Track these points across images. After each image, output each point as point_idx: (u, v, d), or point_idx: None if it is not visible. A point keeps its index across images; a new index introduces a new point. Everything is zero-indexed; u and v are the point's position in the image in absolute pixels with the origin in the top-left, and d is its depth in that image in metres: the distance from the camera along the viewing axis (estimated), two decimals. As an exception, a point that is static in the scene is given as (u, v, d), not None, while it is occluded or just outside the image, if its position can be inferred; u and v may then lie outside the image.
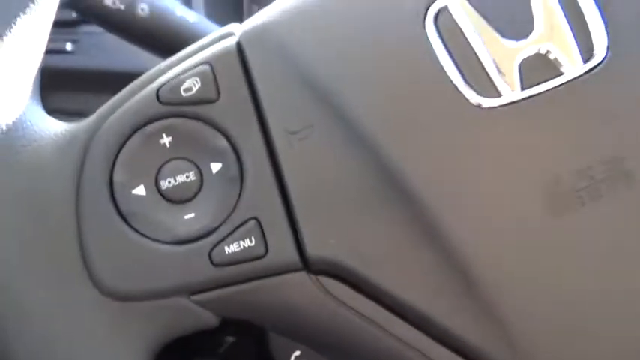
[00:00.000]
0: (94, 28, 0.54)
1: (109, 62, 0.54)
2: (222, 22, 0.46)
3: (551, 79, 0.24)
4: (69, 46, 0.55)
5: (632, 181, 0.23)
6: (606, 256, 0.24)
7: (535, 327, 0.24)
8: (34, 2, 0.27)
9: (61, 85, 0.39)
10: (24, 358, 0.25)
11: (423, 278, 0.25)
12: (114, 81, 0.48)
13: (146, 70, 0.28)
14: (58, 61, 0.45)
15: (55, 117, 0.28)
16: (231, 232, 0.25)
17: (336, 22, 0.26)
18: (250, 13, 0.67)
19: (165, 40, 0.41)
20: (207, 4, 0.59)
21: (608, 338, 0.24)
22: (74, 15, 0.53)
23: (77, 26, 0.55)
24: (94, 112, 0.28)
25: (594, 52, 0.24)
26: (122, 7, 0.39)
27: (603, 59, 0.24)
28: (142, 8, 0.40)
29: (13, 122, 0.26)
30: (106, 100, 0.28)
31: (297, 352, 0.30)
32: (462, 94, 0.24)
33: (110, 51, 0.54)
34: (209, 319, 0.26)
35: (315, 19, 0.26)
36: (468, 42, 0.24)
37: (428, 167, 0.24)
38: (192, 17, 0.42)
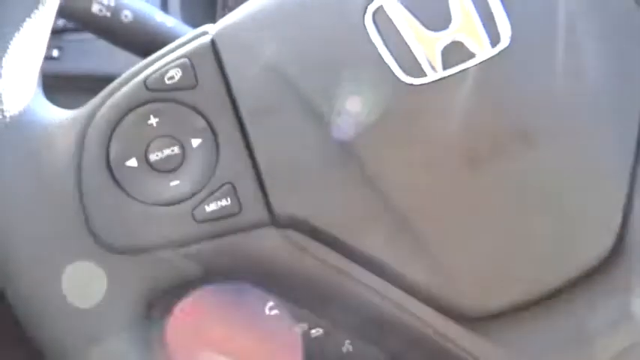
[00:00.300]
0: (78, 36, 0.58)
1: (92, 67, 0.58)
2: (196, 27, 0.51)
3: (466, 61, 0.29)
4: (55, 53, 0.59)
5: (531, 141, 0.29)
6: (507, 199, 0.29)
7: (458, 257, 0.29)
8: (37, 7, 0.31)
9: (48, 89, 0.43)
10: (35, 302, 0.29)
11: (369, 227, 0.29)
12: (97, 84, 0.53)
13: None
14: (46, 67, 0.50)
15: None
16: (210, 194, 0.29)
17: (292, 20, 0.30)
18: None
19: (146, 43, 0.45)
20: (183, 11, 0.63)
21: (511, 267, 0.29)
22: (60, 24, 0.58)
23: (62, 34, 0.60)
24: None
25: (500, 38, 0.29)
26: (108, 14, 0.43)
27: (507, 44, 0.29)
28: (126, 15, 0.44)
29: (24, 110, 0.30)
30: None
31: (271, 303, 0.34)
32: (396, 75, 0.29)
33: (93, 56, 0.58)
34: (194, 270, 0.30)
35: (276, 19, 0.31)
36: (400, 34, 0.29)
37: (370, 135, 0.29)
38: (170, 22, 0.46)
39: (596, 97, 0.30)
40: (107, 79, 0.40)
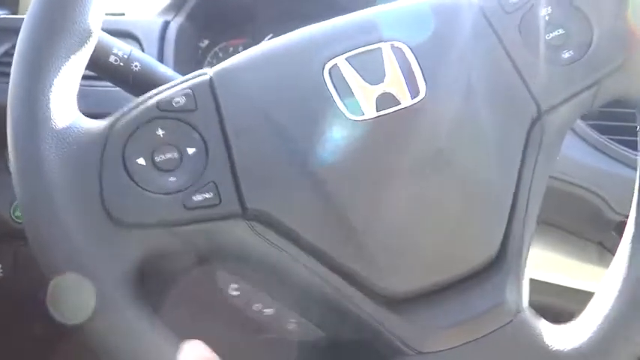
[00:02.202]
0: (92, 83, 0.66)
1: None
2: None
3: (393, 107, 0.38)
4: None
5: (438, 166, 0.38)
6: (421, 207, 0.38)
7: (383, 251, 0.37)
8: (85, 44, 0.39)
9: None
10: (57, 259, 0.35)
11: (316, 222, 0.36)
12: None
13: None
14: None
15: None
16: (198, 189, 0.36)
17: (269, 69, 0.39)
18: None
19: (150, 88, 0.53)
20: (175, 66, 0.72)
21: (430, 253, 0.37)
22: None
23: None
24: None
25: (419, 92, 0.38)
26: (122, 64, 0.51)
27: (423, 96, 0.38)
28: (136, 65, 0.52)
29: (66, 118, 0.37)
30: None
31: (235, 285, 0.41)
32: (343, 113, 0.38)
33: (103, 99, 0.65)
34: (178, 246, 0.36)
35: (257, 68, 0.39)
36: (348, 85, 0.38)
37: (323, 155, 0.37)
38: (170, 72, 0.54)
39: (486, 138, 0.39)
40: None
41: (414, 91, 0.38)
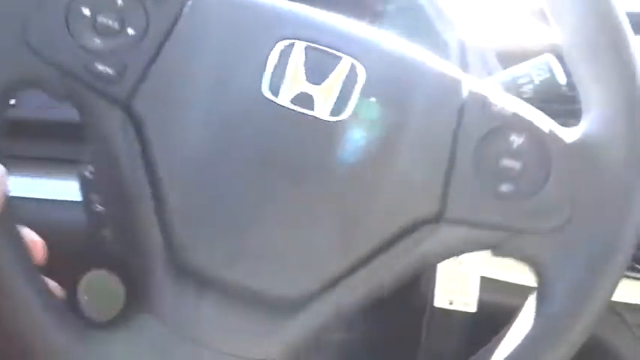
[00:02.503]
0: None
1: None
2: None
3: (305, 109, 0.37)
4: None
5: (301, 181, 0.38)
6: (267, 207, 0.38)
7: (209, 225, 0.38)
8: None
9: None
10: None
11: (176, 170, 0.37)
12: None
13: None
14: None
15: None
16: (107, 61, 0.37)
17: (238, 15, 0.39)
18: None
19: None
20: None
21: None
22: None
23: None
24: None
25: (340, 116, 0.37)
26: None
27: (336, 120, 0.37)
28: None
29: None
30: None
31: (91, 168, 0.43)
32: (261, 87, 0.37)
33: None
34: (59, 92, 0.38)
35: (230, 8, 0.39)
36: (286, 67, 0.38)
37: (219, 107, 0.38)
38: None
39: (363, 197, 0.38)
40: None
41: (336, 110, 0.38)
